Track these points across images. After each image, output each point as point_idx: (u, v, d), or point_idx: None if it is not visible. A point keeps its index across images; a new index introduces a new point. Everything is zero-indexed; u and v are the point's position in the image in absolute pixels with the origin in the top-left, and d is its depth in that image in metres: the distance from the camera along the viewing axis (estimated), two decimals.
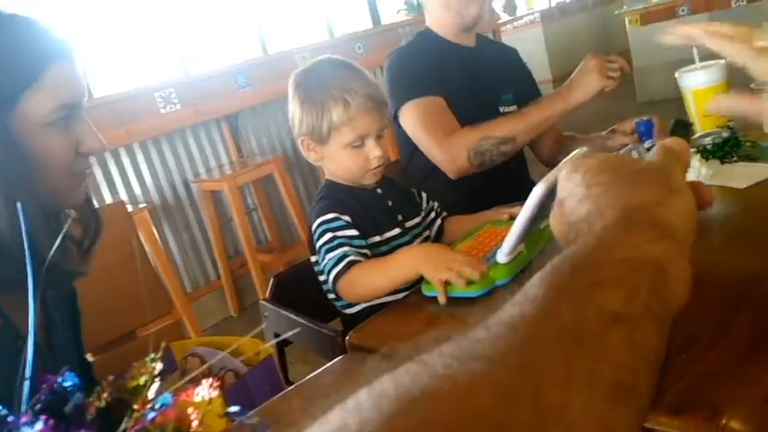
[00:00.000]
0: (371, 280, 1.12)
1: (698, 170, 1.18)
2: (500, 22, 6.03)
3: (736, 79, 1.40)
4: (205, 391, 0.36)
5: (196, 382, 0.39)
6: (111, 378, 0.34)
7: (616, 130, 1.57)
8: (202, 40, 3.75)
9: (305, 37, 4.45)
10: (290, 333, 1.10)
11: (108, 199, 3.01)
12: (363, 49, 4.11)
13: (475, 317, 1.02)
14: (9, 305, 0.70)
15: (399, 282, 1.10)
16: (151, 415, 0.32)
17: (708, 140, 1.33)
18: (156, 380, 0.34)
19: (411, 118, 1.62)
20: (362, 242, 1.18)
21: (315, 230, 1.19)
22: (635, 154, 1.27)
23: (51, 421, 0.29)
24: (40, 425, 0.29)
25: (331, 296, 1.25)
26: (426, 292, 1.05)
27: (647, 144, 1.40)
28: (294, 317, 1.22)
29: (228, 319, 3.34)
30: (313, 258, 1.25)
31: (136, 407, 0.35)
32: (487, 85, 1.72)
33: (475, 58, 1.75)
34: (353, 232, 1.17)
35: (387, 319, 1.05)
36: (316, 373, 0.94)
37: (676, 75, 1.43)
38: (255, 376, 1.00)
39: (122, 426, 0.32)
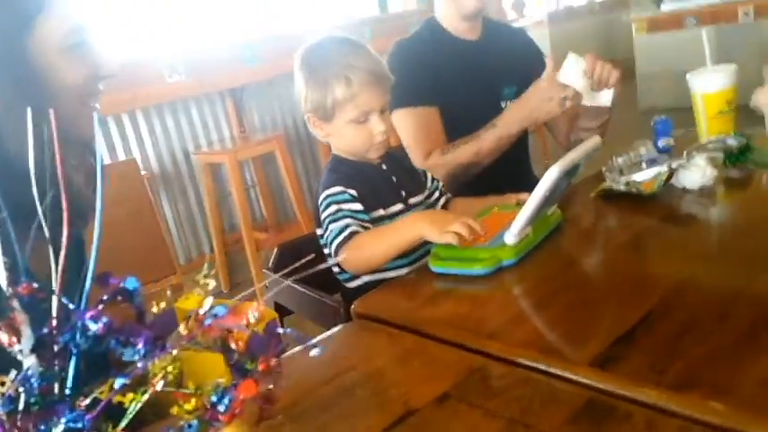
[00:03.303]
0: (374, 246, 1.13)
1: (703, 170, 1.21)
2: (507, 20, 6.03)
3: (743, 84, 1.43)
4: (252, 315, 0.37)
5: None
6: (168, 292, 0.35)
7: None
8: (212, 13, 3.74)
9: (313, 19, 4.44)
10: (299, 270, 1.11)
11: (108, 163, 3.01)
12: (370, 34, 4.11)
13: (480, 294, 1.05)
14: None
15: (402, 247, 1.12)
16: (208, 321, 0.33)
17: (713, 146, 1.35)
18: (210, 296, 0.36)
19: (402, 124, 1.63)
20: (366, 216, 1.20)
21: (321, 202, 1.21)
22: (643, 150, 1.30)
23: (115, 321, 0.31)
24: (104, 320, 0.30)
25: (336, 269, 1.27)
26: (434, 268, 1.07)
27: (661, 142, 1.42)
28: (297, 286, 1.24)
29: (219, 295, 3.35)
30: (319, 231, 1.27)
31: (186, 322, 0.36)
32: (488, 80, 1.71)
33: (476, 53, 1.73)
34: (358, 206, 1.19)
35: (392, 291, 1.07)
36: (320, 337, 0.96)
37: (687, 76, 1.46)
38: (260, 340, 1.01)
39: (174, 335, 0.34)
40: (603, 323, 0.84)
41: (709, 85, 1.41)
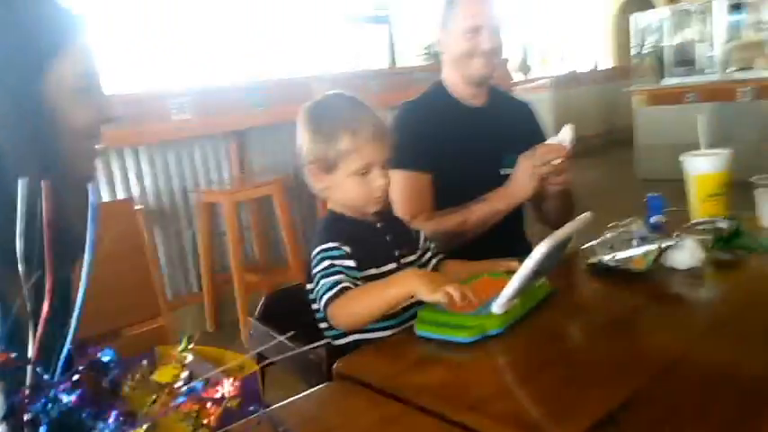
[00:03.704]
0: (364, 302, 1.13)
1: (692, 251, 1.22)
2: (512, 82, 6.16)
3: (737, 170, 1.46)
4: (226, 388, 0.37)
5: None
6: (143, 362, 0.35)
7: None
8: (222, 54, 3.82)
9: (322, 66, 4.54)
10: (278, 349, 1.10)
11: (106, 196, 3.02)
12: (379, 87, 4.18)
13: (464, 362, 1.04)
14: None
15: (392, 304, 1.11)
16: (181, 399, 0.33)
17: (703, 227, 1.37)
18: (185, 370, 0.36)
19: (393, 185, 1.64)
20: (358, 274, 1.19)
21: (314, 257, 1.21)
22: (634, 227, 1.31)
23: (89, 392, 0.31)
24: (77, 393, 0.30)
25: (322, 325, 1.26)
26: (419, 331, 1.06)
27: (653, 219, 1.44)
28: (282, 339, 1.22)
29: (204, 334, 3.31)
30: (309, 286, 1.26)
31: (157, 395, 0.36)
32: (490, 147, 1.73)
33: (480, 119, 1.76)
34: (351, 263, 1.19)
35: (376, 352, 1.07)
36: (300, 396, 0.95)
37: (681, 158, 1.49)
38: (233, 416, 1.00)
39: (146, 408, 0.34)
40: (586, 403, 0.83)
41: (703, 167, 1.44)
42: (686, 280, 1.22)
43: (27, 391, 0.30)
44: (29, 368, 0.31)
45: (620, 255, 1.25)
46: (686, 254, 1.23)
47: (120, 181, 3.14)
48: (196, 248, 3.40)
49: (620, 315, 1.13)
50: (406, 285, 1.09)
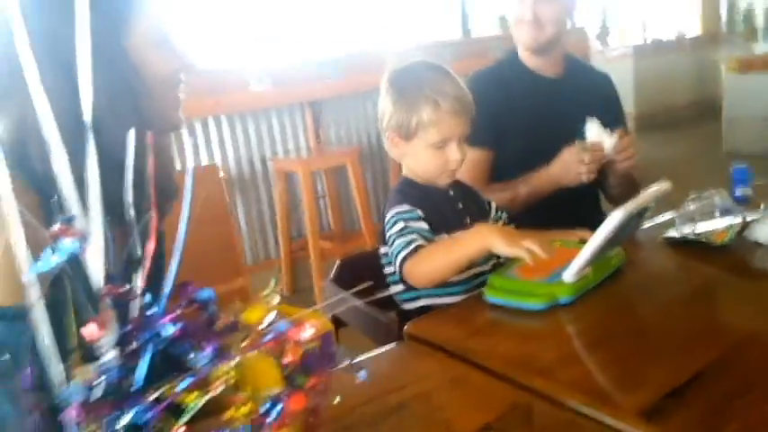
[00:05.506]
0: (439, 258, 1.14)
1: None
2: (591, 52, 5.93)
3: None
4: (307, 332, 0.40)
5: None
6: (234, 304, 0.39)
7: None
8: (299, 28, 3.88)
9: (395, 39, 4.53)
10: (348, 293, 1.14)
11: (190, 164, 3.15)
12: (451, 57, 4.14)
13: (533, 329, 1.05)
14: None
15: (468, 259, 1.12)
16: (268, 337, 0.37)
17: None
18: (272, 312, 0.39)
19: None
20: (432, 236, 1.21)
21: (389, 220, 1.23)
22: (718, 199, 1.27)
23: (191, 326, 0.35)
24: (179, 325, 0.34)
25: (394, 289, 1.29)
26: (489, 297, 1.08)
27: (739, 191, 1.38)
28: (356, 300, 1.27)
29: (281, 298, 3.43)
30: (382, 249, 1.29)
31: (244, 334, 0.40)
32: (566, 119, 1.66)
33: (556, 90, 1.71)
34: (425, 225, 1.21)
35: (445, 316, 1.09)
36: (374, 353, 0.99)
37: None
38: (314, 357, 1.05)
39: (235, 347, 0.37)
40: (656, 374, 0.83)
41: None
42: None
43: (135, 323, 0.34)
44: (136, 300, 0.35)
45: (702, 227, 1.22)
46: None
47: (204, 149, 3.28)
48: (274, 215, 3.51)
49: (696, 288, 1.11)
50: (482, 240, 1.09)
